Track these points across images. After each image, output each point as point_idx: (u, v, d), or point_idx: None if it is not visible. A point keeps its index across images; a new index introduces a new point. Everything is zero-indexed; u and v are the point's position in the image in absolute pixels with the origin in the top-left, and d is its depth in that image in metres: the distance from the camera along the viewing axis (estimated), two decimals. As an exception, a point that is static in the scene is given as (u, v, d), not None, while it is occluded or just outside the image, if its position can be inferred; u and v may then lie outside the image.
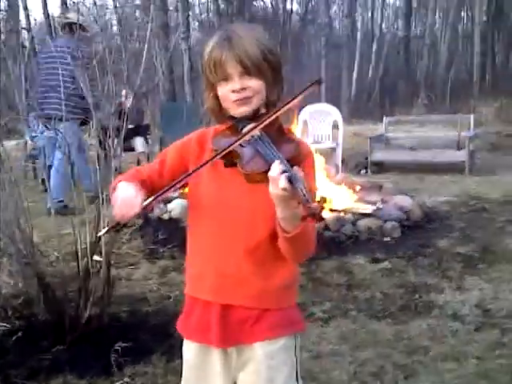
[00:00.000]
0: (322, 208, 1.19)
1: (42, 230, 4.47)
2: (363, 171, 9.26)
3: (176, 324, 1.71)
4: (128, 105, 8.88)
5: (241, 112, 1.55)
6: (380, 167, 9.42)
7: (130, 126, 7.79)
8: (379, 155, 9.47)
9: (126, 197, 1.45)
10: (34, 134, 8.20)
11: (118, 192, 1.48)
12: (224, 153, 1.44)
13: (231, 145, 1.43)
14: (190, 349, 1.67)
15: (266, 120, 1.45)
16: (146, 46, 3.52)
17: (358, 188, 6.14)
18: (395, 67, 28.27)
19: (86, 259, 3.29)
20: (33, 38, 11.74)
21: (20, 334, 3.21)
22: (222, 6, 19.30)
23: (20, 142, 8.23)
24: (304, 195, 1.19)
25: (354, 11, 27.77)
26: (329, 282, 4.29)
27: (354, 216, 5.32)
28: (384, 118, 10.54)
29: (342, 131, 9.36)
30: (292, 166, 1.28)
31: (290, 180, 1.21)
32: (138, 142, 8.92)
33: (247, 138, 1.45)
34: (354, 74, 26.79)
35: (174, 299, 3.91)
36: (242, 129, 1.51)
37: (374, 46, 29.05)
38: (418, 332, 3.39)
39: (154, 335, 3.34)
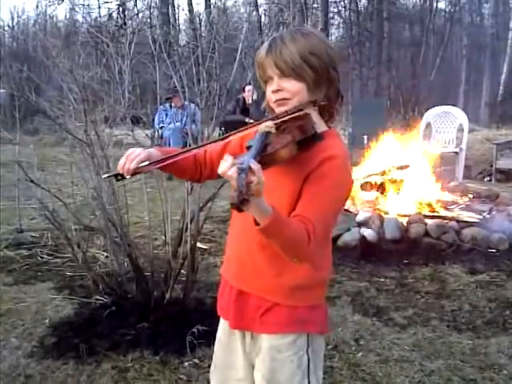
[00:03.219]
0: (241, 200, 1.27)
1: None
2: (487, 179, 8.83)
3: None
4: (249, 100, 9.21)
5: (279, 112, 1.63)
6: (507, 175, 8.93)
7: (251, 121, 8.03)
8: (506, 163, 8.97)
9: (130, 153, 1.64)
10: (161, 125, 8.75)
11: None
12: (223, 137, 1.60)
13: (235, 133, 1.57)
14: (220, 326, 1.83)
15: (266, 120, 1.54)
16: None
17: (470, 195, 5.92)
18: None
19: (174, 245, 3.52)
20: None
21: (114, 308, 3.53)
22: (360, 3, 19.06)
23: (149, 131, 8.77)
24: (239, 187, 1.27)
25: (509, 10, 26.24)
26: (418, 288, 4.22)
27: (458, 224, 5.15)
28: (515, 123, 9.95)
29: (467, 136, 8.95)
30: (265, 163, 1.39)
31: (239, 170, 1.29)
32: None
33: (252, 131, 1.55)
34: (503, 77, 25.35)
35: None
36: None
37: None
38: (497, 349, 3.26)
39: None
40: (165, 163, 1.64)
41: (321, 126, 1.65)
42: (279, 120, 1.56)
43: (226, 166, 1.33)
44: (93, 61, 3.90)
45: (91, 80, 3.43)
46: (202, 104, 3.42)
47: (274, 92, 1.63)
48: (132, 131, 3.45)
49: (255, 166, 1.32)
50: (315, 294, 1.71)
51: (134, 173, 1.62)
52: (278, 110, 1.63)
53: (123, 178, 1.64)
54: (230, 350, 1.79)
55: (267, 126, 1.53)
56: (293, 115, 1.58)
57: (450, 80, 23.76)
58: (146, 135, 3.57)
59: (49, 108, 3.41)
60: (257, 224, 1.42)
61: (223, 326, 1.82)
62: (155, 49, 3.57)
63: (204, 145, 1.71)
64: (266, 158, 1.43)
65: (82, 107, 3.15)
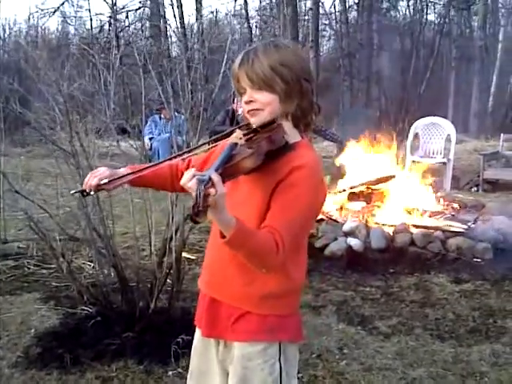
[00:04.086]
0: (195, 213, 1.31)
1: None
2: (474, 189, 8.89)
3: None
4: (239, 111, 9.27)
5: (252, 122, 1.66)
6: (494, 186, 9.00)
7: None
8: (492, 173, 9.05)
9: (95, 171, 1.77)
10: (150, 136, 8.79)
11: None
12: (190, 149, 1.71)
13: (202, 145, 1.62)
14: (196, 334, 1.85)
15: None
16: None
17: (456, 206, 5.97)
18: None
19: (159, 255, 3.54)
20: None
21: (99, 318, 3.54)
22: (350, 15, 19.21)
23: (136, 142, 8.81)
24: (196, 199, 1.31)
25: (497, 23, 26.48)
26: (403, 298, 4.25)
27: (444, 234, 5.19)
28: (502, 135, 10.02)
29: (455, 146, 9.03)
30: (229, 174, 1.46)
31: (199, 181, 1.33)
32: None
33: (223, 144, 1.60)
34: (492, 89, 25.55)
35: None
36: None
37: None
38: (479, 357, 3.29)
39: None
40: (124, 180, 1.75)
41: (294, 137, 1.68)
42: (248, 131, 1.60)
43: (187, 178, 1.37)
44: (81, 72, 3.93)
45: (79, 91, 3.47)
46: (187, 115, 3.46)
47: (246, 103, 1.66)
48: (117, 141, 3.48)
49: (215, 177, 1.35)
50: (287, 302, 1.72)
51: (97, 189, 1.74)
52: (251, 120, 1.67)
53: (88, 194, 1.76)
54: (206, 357, 1.81)
55: (236, 136, 1.57)
56: (264, 126, 1.61)
57: (439, 91, 23.91)
58: (131, 146, 3.58)
59: (34, 119, 3.43)
60: (223, 237, 1.45)
61: (198, 334, 1.84)
62: (141, 61, 3.62)
63: (170, 158, 1.78)
64: (229, 169, 1.47)
65: (66, 118, 3.17)
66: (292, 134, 1.67)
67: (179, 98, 3.51)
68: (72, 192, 1.83)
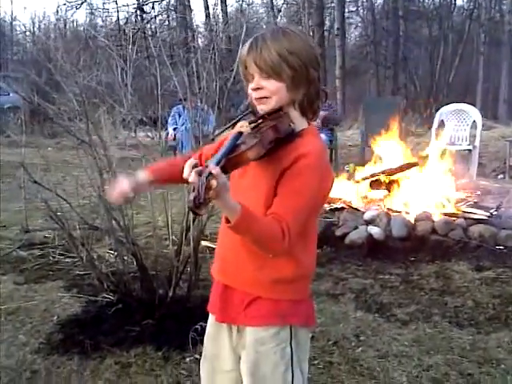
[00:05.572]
0: (196, 205, 1.33)
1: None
2: (500, 176, 8.77)
3: None
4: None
5: (259, 109, 1.68)
6: (521, 172, 8.86)
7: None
8: (519, 159, 8.91)
9: (116, 184, 1.82)
10: (174, 126, 8.83)
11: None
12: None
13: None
14: (209, 320, 1.89)
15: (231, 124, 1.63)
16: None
17: (480, 193, 5.91)
18: None
19: (177, 244, 3.59)
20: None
21: (120, 305, 3.61)
22: (377, 1, 19.00)
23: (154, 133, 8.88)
24: (198, 191, 1.33)
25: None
26: (423, 285, 4.24)
27: (466, 221, 5.15)
28: (530, 120, 9.84)
29: (482, 133, 8.89)
30: (233, 164, 1.49)
31: (199, 174, 1.36)
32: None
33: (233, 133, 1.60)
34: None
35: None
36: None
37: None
38: (496, 344, 3.27)
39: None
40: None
41: (301, 125, 1.69)
42: (254, 118, 1.62)
43: (187, 172, 1.41)
44: (108, 64, 3.96)
45: (104, 84, 3.53)
46: (203, 105, 3.50)
47: (253, 90, 1.67)
48: (135, 132, 3.54)
49: (215, 170, 1.38)
50: (297, 287, 1.74)
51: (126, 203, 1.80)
52: (259, 108, 1.68)
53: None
54: (218, 342, 1.85)
55: (241, 125, 1.59)
56: (270, 114, 1.63)
57: (468, 77, 23.58)
58: (148, 136, 3.63)
59: (54, 110, 3.49)
60: (228, 222, 1.49)
61: (211, 319, 1.87)
62: (167, 51, 3.65)
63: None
64: (233, 159, 1.49)
65: (84, 109, 3.23)
66: (299, 122, 1.68)
67: (203, 88, 3.55)
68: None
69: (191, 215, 3.49)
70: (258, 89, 1.66)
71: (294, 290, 1.73)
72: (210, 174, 1.36)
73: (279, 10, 23.35)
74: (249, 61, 1.66)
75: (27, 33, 27.92)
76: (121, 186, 1.81)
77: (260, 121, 1.63)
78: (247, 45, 1.68)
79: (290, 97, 1.66)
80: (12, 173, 6.79)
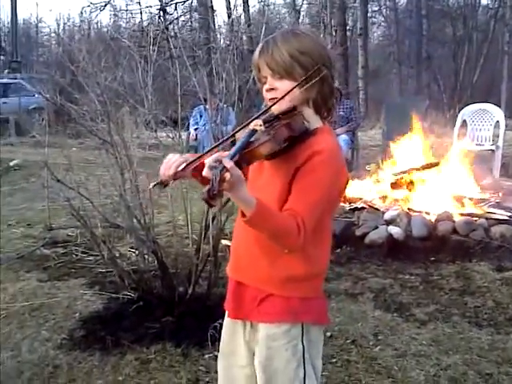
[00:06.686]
0: (210, 197, 1.38)
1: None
2: (524, 176, 8.64)
3: None
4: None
5: (273, 109, 1.70)
6: (546, 173, 8.73)
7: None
8: (543, 160, 8.79)
9: (168, 159, 1.67)
10: (196, 127, 8.89)
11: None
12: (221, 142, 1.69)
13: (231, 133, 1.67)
14: (226, 317, 1.92)
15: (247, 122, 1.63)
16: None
17: (502, 193, 5.86)
18: None
19: (197, 243, 3.63)
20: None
21: (141, 303, 3.66)
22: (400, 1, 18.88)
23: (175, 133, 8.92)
24: (212, 183, 1.38)
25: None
26: (443, 285, 4.22)
27: (487, 221, 5.11)
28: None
29: (503, 133, 8.79)
30: (246, 160, 1.55)
31: (214, 168, 1.41)
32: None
33: (247, 130, 1.62)
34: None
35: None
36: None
37: None
38: (516, 344, 3.26)
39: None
40: (198, 163, 1.64)
41: (315, 123, 1.72)
42: (269, 118, 1.65)
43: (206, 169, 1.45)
44: (131, 65, 4.01)
45: (128, 84, 3.58)
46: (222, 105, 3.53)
47: (267, 91, 1.71)
48: (155, 131, 3.58)
49: (229, 163, 1.42)
50: (310, 285, 1.76)
51: (175, 178, 1.65)
52: (273, 108, 1.71)
53: (167, 184, 1.67)
54: (234, 339, 1.88)
55: (255, 123, 1.62)
56: (284, 113, 1.66)
57: (492, 77, 23.32)
58: (168, 136, 3.68)
59: (76, 111, 3.56)
60: (244, 216, 1.52)
61: (227, 318, 1.91)
62: (189, 51, 3.69)
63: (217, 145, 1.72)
64: (247, 154, 1.54)
65: (105, 110, 3.29)
66: (313, 121, 1.71)
67: (223, 88, 3.59)
68: (151, 186, 1.74)
69: (210, 215, 3.54)
70: (272, 89, 1.70)
71: (306, 287, 1.75)
72: (224, 167, 1.40)
73: (298, 11, 23.33)
74: (261, 63, 1.70)
75: (52, 34, 28.32)
76: (171, 160, 1.66)
77: (274, 120, 1.66)
78: (258, 48, 1.72)
79: (304, 96, 1.69)
80: (37, 173, 6.91)
